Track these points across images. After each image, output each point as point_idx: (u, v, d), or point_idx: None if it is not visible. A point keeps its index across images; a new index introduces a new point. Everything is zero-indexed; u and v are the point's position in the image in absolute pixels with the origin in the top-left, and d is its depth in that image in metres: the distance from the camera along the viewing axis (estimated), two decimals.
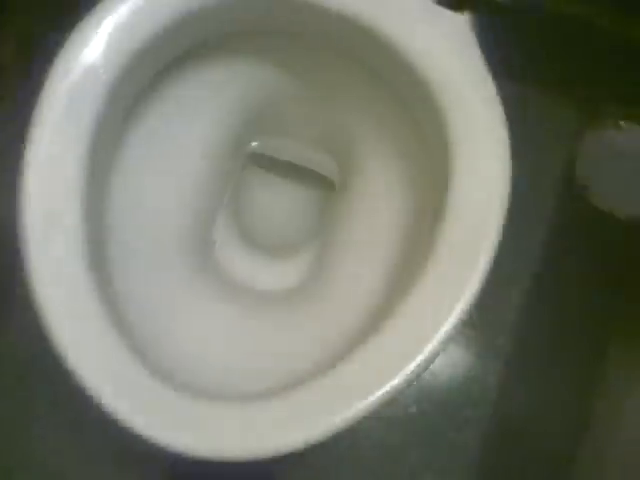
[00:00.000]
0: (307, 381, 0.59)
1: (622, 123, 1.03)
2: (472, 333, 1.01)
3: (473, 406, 0.99)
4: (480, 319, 1.00)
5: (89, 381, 0.56)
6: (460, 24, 0.67)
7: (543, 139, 1.03)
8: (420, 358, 0.59)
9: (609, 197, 1.03)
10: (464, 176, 0.63)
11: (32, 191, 0.58)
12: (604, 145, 1.03)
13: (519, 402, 1.00)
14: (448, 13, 0.66)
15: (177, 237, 0.76)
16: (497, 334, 1.01)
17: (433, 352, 0.59)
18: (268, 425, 0.57)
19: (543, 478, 0.99)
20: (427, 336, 0.59)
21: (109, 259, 0.66)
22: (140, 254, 0.71)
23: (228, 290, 0.79)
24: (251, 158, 0.87)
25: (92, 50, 0.60)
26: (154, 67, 0.68)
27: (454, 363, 1.00)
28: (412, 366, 0.59)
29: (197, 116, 0.76)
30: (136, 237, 0.71)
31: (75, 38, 0.61)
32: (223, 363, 0.69)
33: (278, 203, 0.91)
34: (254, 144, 0.86)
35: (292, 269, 0.84)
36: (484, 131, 0.64)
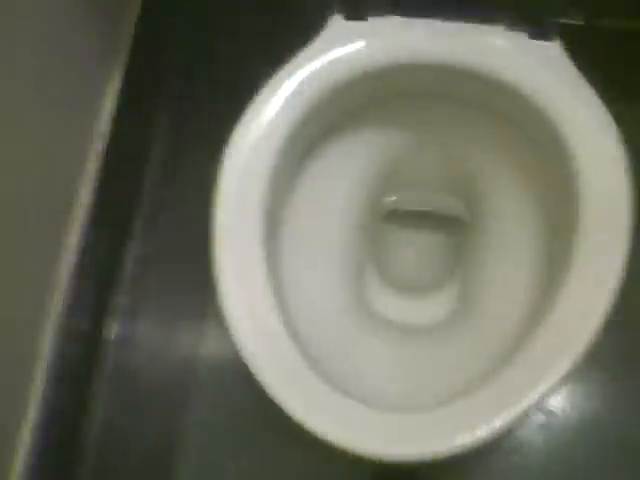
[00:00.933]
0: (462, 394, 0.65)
1: None
2: None
3: None
4: None
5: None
6: (556, 52, 0.76)
7: None
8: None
9: None
10: (591, 211, 0.69)
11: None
12: None
13: None
14: (543, 44, 0.76)
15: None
16: None
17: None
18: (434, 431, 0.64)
19: None
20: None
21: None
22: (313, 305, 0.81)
23: (384, 326, 0.88)
24: (387, 213, 0.97)
25: (269, 112, 0.73)
26: (319, 127, 0.80)
27: None
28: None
29: (341, 179, 0.87)
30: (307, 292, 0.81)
31: (258, 100, 0.73)
32: (381, 381, 0.77)
33: (415, 249, 0.99)
34: (390, 200, 0.96)
35: (436, 306, 0.92)
36: (607, 163, 0.71)
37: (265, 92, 0.74)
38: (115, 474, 1.04)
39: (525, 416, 0.64)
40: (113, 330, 1.08)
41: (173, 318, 1.10)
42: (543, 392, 0.64)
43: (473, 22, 0.76)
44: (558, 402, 1.03)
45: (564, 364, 0.65)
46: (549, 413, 1.03)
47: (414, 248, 1.00)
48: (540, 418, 1.02)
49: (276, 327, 0.67)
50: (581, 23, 0.75)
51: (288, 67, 0.75)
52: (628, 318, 1.02)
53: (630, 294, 1.01)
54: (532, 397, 0.64)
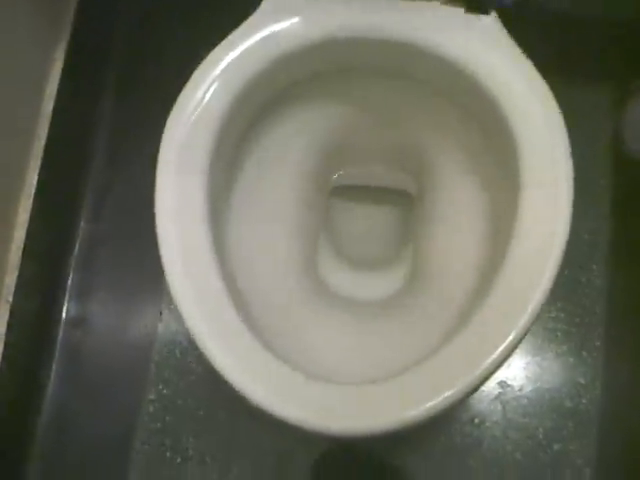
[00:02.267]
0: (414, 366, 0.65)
1: None
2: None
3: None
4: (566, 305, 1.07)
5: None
6: (493, 24, 0.75)
7: (588, 118, 1.10)
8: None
9: None
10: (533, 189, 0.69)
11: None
12: None
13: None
14: (480, 18, 0.75)
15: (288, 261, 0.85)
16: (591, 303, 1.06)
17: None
18: (383, 403, 0.63)
19: None
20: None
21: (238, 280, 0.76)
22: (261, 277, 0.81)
23: (337, 301, 0.88)
24: (336, 189, 0.96)
25: (206, 89, 0.72)
26: (257, 105, 0.79)
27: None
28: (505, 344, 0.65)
29: (289, 155, 0.86)
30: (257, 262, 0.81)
31: (194, 78, 0.73)
32: (338, 357, 0.77)
33: (366, 224, 1.00)
34: (336, 176, 0.95)
35: (389, 280, 0.92)
36: (545, 134, 0.71)
37: (200, 71, 0.73)
38: (70, 458, 1.05)
39: (475, 388, 0.64)
40: (65, 311, 1.08)
41: (127, 298, 1.09)
42: (494, 361, 0.64)
43: None
44: (513, 374, 1.05)
45: (512, 332, 0.65)
46: (504, 385, 1.04)
47: (365, 223, 1.00)
48: (496, 390, 1.04)
49: (225, 306, 0.67)
50: None
51: (223, 45, 0.74)
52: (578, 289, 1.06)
53: (581, 270, 1.07)
54: (482, 367, 0.64)
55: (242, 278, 0.76)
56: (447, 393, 0.63)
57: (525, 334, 0.65)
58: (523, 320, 0.65)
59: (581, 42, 1.10)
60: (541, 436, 1.02)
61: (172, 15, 1.16)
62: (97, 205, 1.12)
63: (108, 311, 1.08)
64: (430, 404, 0.62)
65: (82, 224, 1.11)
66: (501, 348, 0.64)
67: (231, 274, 0.74)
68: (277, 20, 0.74)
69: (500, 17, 0.75)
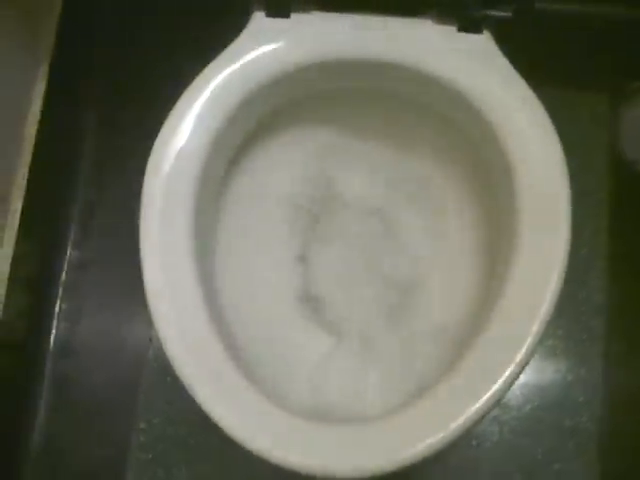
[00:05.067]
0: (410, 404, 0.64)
1: None
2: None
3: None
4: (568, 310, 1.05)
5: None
6: (486, 44, 0.74)
7: (583, 130, 1.09)
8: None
9: None
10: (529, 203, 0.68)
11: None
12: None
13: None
14: (472, 37, 0.73)
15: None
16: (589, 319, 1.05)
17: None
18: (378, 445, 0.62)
19: None
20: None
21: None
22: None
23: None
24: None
25: (195, 110, 0.71)
26: (239, 137, 0.78)
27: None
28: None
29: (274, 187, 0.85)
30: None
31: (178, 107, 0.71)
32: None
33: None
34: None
35: None
36: (539, 151, 0.70)
37: (185, 98, 0.71)
38: None
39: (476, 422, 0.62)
40: (52, 338, 1.05)
41: (116, 324, 1.07)
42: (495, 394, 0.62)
43: (400, 16, 0.74)
44: (511, 393, 1.03)
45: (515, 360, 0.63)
46: (502, 405, 1.02)
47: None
48: (494, 411, 1.02)
49: (208, 336, 0.66)
50: (509, 14, 0.73)
51: (208, 70, 0.72)
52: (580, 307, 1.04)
53: (579, 285, 1.06)
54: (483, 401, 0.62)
55: (232, 311, 0.74)
56: (444, 433, 0.61)
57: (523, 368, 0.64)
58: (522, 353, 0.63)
59: (574, 48, 1.08)
60: (540, 456, 1.00)
61: (154, 34, 1.14)
62: (83, 230, 1.10)
63: (97, 338, 1.06)
64: (430, 441, 0.61)
65: (69, 250, 1.08)
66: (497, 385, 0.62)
67: (220, 308, 0.73)
68: (263, 43, 0.73)
69: (501, 29, 0.74)
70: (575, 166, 1.00)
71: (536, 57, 1.04)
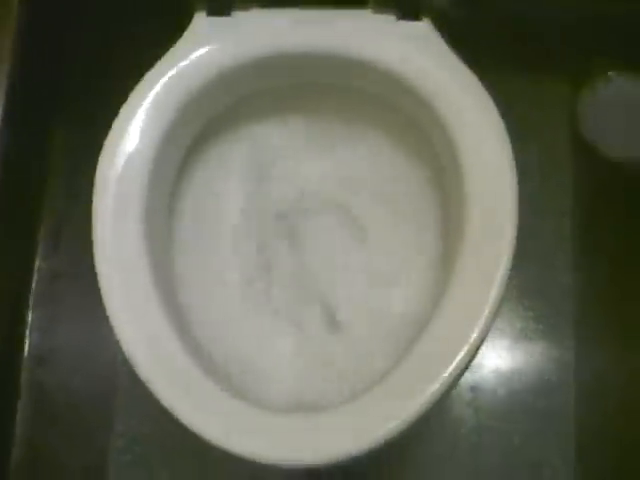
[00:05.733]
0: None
1: (610, 74, 1.09)
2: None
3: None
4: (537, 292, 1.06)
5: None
6: (426, 31, 0.75)
7: (543, 112, 1.10)
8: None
9: (618, 147, 1.08)
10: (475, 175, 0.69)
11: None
12: (600, 99, 1.09)
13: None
14: (412, 24, 0.75)
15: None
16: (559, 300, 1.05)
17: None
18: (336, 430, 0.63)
19: None
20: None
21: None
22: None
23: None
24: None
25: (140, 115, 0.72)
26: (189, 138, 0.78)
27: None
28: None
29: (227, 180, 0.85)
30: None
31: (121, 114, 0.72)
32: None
33: None
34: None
35: None
36: (483, 127, 0.71)
37: (128, 105, 0.72)
38: None
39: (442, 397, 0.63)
40: (27, 347, 1.06)
41: (89, 330, 1.07)
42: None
43: (339, 7, 0.75)
44: (484, 378, 1.03)
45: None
46: (476, 390, 1.03)
47: None
48: (468, 396, 1.02)
49: (164, 331, 0.68)
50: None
51: (150, 74, 0.73)
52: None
53: (546, 267, 1.06)
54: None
55: (190, 310, 0.76)
56: (395, 422, 0.62)
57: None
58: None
59: (534, 35, 1.09)
60: (517, 439, 1.01)
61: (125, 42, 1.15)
62: (53, 240, 1.10)
63: (71, 345, 1.07)
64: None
65: (38, 260, 1.09)
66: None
67: (178, 307, 0.74)
68: (204, 43, 0.74)
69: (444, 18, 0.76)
70: (537, 149, 1.03)
71: (497, 41, 1.05)
